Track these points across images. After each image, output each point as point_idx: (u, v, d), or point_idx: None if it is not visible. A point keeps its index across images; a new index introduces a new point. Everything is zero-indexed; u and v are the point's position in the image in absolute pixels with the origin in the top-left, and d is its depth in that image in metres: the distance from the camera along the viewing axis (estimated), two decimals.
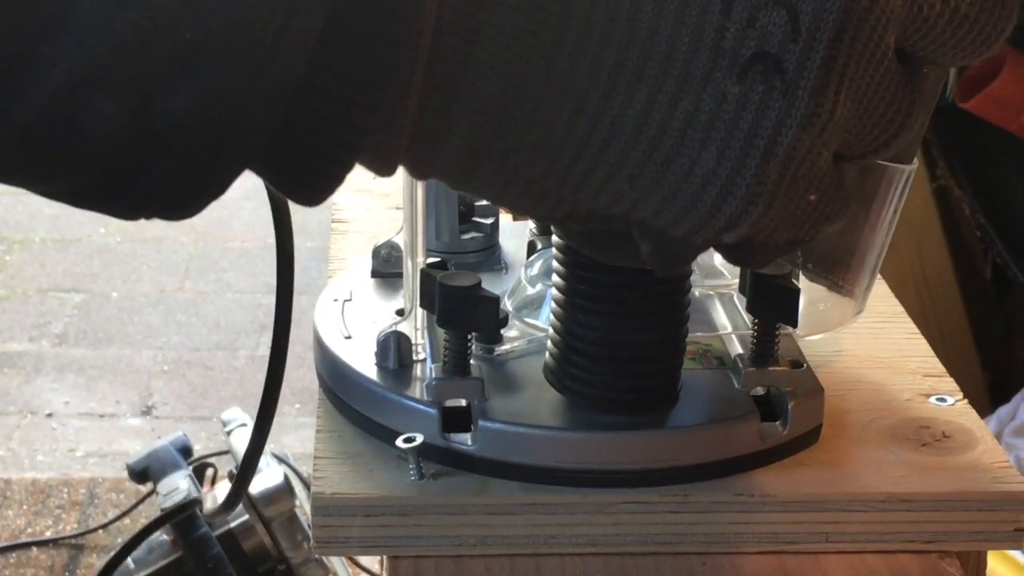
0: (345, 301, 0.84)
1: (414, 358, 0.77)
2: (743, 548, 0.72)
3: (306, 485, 2.12)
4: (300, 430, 2.62)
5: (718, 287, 0.84)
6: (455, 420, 0.73)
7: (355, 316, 0.82)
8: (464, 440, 0.73)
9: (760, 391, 0.75)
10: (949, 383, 0.81)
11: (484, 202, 0.88)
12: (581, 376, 0.73)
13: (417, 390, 0.74)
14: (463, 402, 0.73)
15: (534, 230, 0.88)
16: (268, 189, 0.67)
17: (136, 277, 3.26)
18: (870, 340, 0.86)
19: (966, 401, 0.80)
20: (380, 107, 0.53)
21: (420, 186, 0.79)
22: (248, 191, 3.59)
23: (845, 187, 0.59)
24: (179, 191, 0.52)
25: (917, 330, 0.87)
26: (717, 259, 0.84)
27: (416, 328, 0.78)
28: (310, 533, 1.93)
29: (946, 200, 2.21)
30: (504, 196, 0.59)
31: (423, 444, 0.71)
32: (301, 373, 2.64)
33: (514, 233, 0.90)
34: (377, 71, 0.52)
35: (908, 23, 0.56)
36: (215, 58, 0.48)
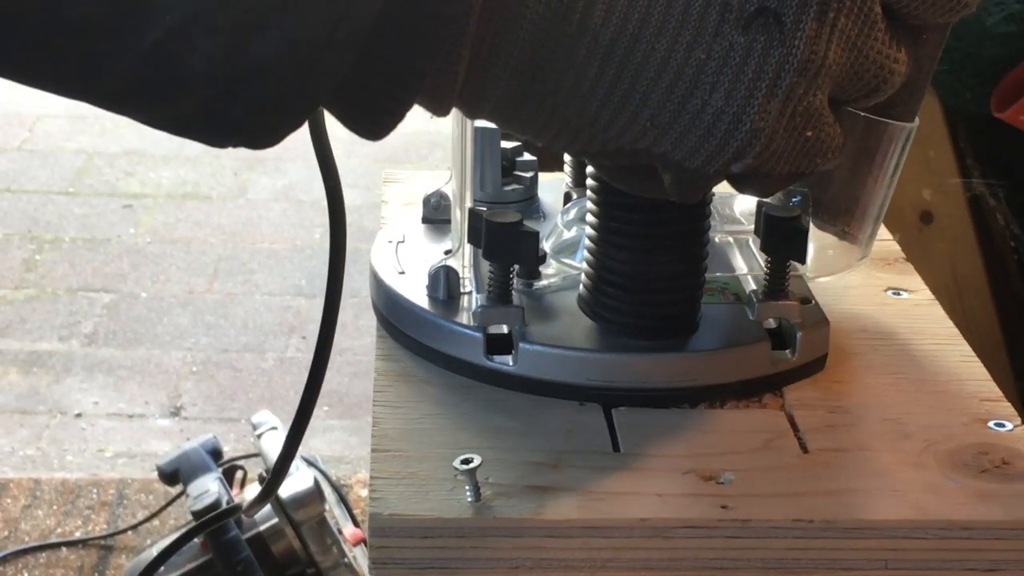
0: (399, 243, 0.93)
1: (461, 290, 0.86)
2: (800, 574, 0.71)
3: (335, 488, 2.12)
4: (329, 432, 2.62)
5: (737, 233, 0.91)
6: (498, 344, 0.82)
7: (408, 255, 0.91)
8: (506, 361, 0.81)
9: (772, 323, 0.83)
10: (1007, 408, 0.81)
11: (525, 157, 0.96)
12: (611, 304, 0.82)
13: (464, 317, 0.83)
14: (505, 328, 0.82)
15: (569, 183, 0.96)
16: (328, 195, 0.82)
17: (165, 278, 3.25)
18: (927, 363, 0.85)
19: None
20: (437, 55, 0.61)
21: (469, 141, 0.88)
22: (277, 193, 3.61)
23: (840, 128, 0.68)
24: (263, 123, 0.60)
25: (973, 353, 0.87)
26: (736, 208, 0.92)
27: (463, 264, 0.87)
28: (339, 537, 1.95)
29: (980, 210, 2.20)
30: (543, 134, 0.68)
31: (469, 366, 0.82)
32: (329, 375, 2.62)
33: (551, 186, 0.98)
34: (436, 23, 0.60)
35: None
36: (301, 9, 0.56)
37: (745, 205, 0.92)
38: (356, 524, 2.03)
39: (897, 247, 0.99)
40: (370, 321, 0.90)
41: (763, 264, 0.84)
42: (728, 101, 0.64)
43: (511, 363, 0.81)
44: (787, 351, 0.82)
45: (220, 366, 2.93)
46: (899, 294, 0.93)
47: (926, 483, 0.74)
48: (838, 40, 0.64)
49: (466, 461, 0.70)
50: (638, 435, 0.77)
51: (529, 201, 0.96)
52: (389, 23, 0.59)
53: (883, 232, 1.00)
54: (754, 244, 0.90)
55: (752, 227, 0.88)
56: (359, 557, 1.97)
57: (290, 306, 3.10)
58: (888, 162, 0.83)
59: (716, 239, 0.90)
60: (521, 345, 0.81)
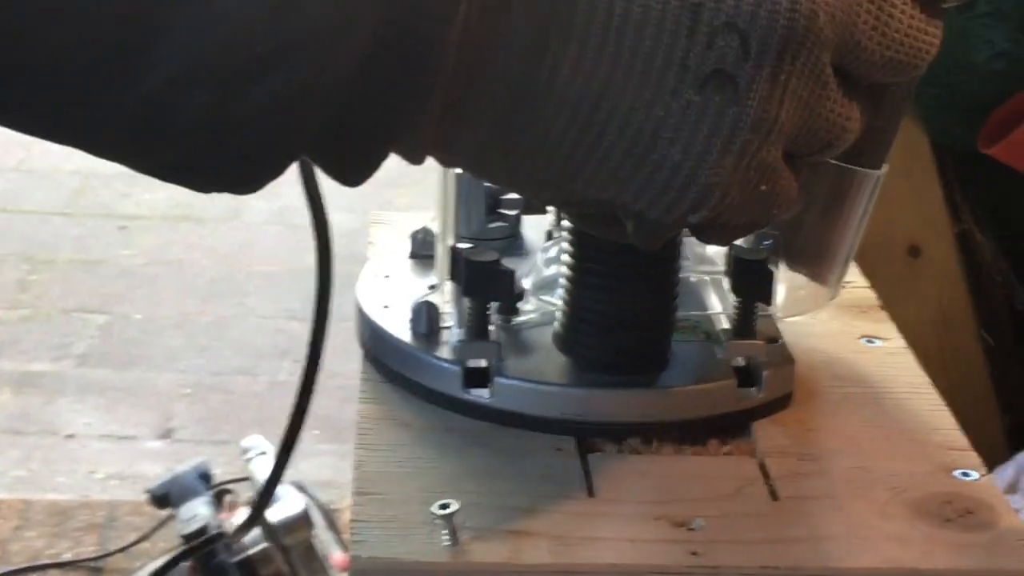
0: (385, 276, 0.96)
1: (442, 325, 0.88)
2: None
3: (324, 513, 2.13)
4: (319, 456, 2.63)
5: (712, 272, 0.94)
6: (475, 377, 0.85)
7: (393, 289, 0.94)
8: (483, 394, 0.84)
9: (740, 361, 0.86)
10: (973, 457, 0.83)
11: (510, 195, 0.99)
12: (584, 340, 0.85)
13: (444, 351, 0.86)
14: (483, 362, 0.85)
15: (552, 222, 0.99)
16: (313, 218, 0.87)
17: (159, 299, 3.27)
18: (897, 411, 0.87)
19: (989, 476, 0.81)
20: (410, 110, 0.65)
21: (452, 180, 0.91)
22: (271, 216, 3.63)
23: (797, 181, 0.72)
24: (244, 173, 0.64)
25: (942, 402, 0.88)
26: (709, 249, 0.94)
27: (445, 300, 0.90)
28: (327, 563, 1.96)
29: (968, 245, 2.22)
30: (512, 184, 0.73)
31: (447, 399, 0.85)
32: (320, 400, 2.63)
33: (535, 224, 1.00)
34: (410, 80, 0.64)
35: (842, 46, 0.68)
36: (288, 62, 0.59)
37: (718, 247, 0.94)
38: (345, 549, 2.04)
39: (873, 294, 1.01)
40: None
41: (732, 304, 0.87)
42: (685, 156, 0.67)
43: (487, 396, 0.84)
44: (753, 388, 0.86)
45: (212, 389, 2.95)
46: (873, 342, 0.95)
47: (892, 532, 0.76)
48: (790, 100, 0.67)
49: (444, 506, 0.73)
50: (613, 480, 0.79)
51: (513, 238, 0.99)
52: (366, 78, 0.62)
53: (860, 279, 1.03)
54: (728, 284, 0.92)
55: (724, 268, 0.91)
56: None
57: (283, 329, 3.12)
58: (856, 208, 0.86)
59: (692, 279, 0.93)
60: (497, 379, 0.84)
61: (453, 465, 0.80)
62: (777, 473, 0.80)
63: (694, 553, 0.73)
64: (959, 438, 0.85)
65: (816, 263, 0.88)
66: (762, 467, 0.81)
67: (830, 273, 0.89)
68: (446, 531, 0.73)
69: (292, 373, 2.89)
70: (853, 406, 0.88)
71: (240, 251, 3.51)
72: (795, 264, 0.88)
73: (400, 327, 0.89)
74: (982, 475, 0.81)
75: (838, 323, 0.97)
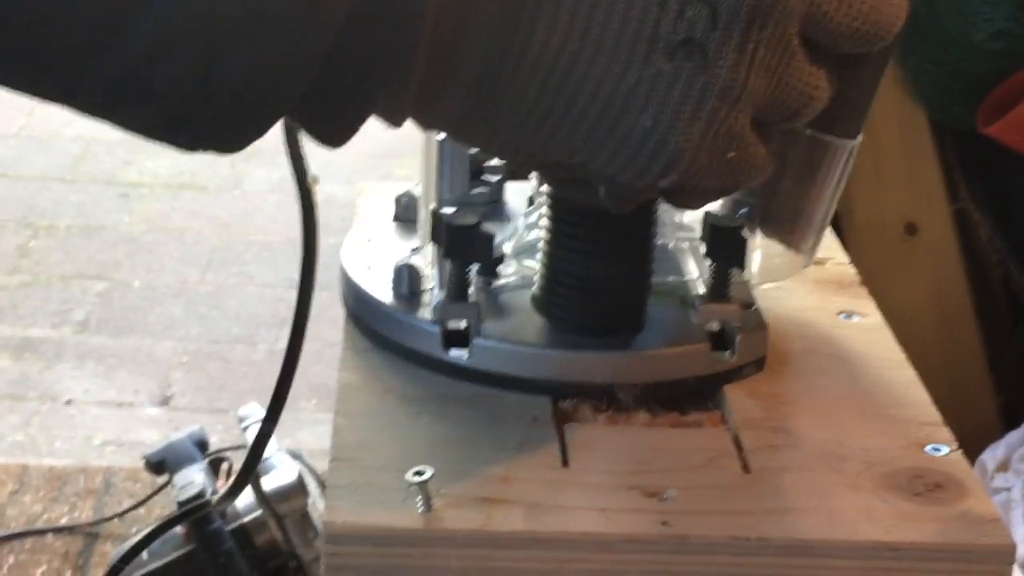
0: (368, 240, 0.98)
1: (423, 287, 0.90)
2: None
3: (320, 482, 2.14)
4: (316, 426, 2.64)
5: (688, 239, 0.95)
6: (455, 338, 0.86)
7: (376, 252, 0.95)
8: (462, 355, 0.86)
9: (715, 326, 0.87)
10: (944, 432, 0.84)
11: (493, 162, 1.00)
12: (562, 303, 0.87)
13: (425, 312, 0.88)
14: (463, 323, 0.86)
15: (535, 187, 0.99)
16: (297, 184, 0.89)
17: (159, 267, 3.28)
18: (871, 386, 0.88)
19: (960, 451, 0.82)
20: (391, 73, 0.67)
21: (434, 146, 0.92)
22: (273, 185, 3.63)
23: (766, 148, 0.74)
24: (229, 132, 0.66)
25: (917, 378, 0.89)
26: (686, 216, 0.96)
27: (427, 262, 0.91)
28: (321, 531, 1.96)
29: (965, 223, 2.23)
30: (489, 147, 0.75)
31: (427, 359, 0.86)
32: (319, 369, 2.66)
33: (517, 189, 1.01)
34: (391, 43, 0.65)
35: (808, 17, 0.70)
36: (264, 31, 0.61)
37: (695, 213, 0.95)
38: None
39: (853, 271, 1.02)
40: None
41: (708, 270, 0.89)
42: (655, 123, 0.69)
43: (466, 356, 0.86)
44: (727, 352, 0.87)
45: (211, 357, 2.95)
46: (850, 317, 0.96)
47: (861, 505, 0.77)
48: (758, 68, 0.70)
49: (418, 473, 0.74)
50: (588, 451, 0.80)
51: (495, 204, 1.00)
52: (346, 43, 0.64)
53: (841, 255, 1.03)
54: (704, 250, 0.93)
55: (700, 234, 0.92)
56: None
57: (282, 298, 3.13)
58: (830, 177, 0.87)
59: (669, 245, 0.95)
60: (476, 340, 0.85)
61: (430, 433, 0.81)
62: (750, 445, 0.81)
63: (664, 523, 0.74)
64: (932, 413, 0.86)
65: (791, 231, 0.90)
66: (735, 439, 0.82)
67: (804, 241, 0.90)
68: (420, 498, 0.74)
69: None
70: (828, 380, 0.88)
71: (241, 220, 3.51)
72: (770, 232, 0.90)
73: (382, 289, 0.91)
74: (952, 450, 0.82)
75: (816, 298, 0.98)
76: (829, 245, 1.03)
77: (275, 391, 0.93)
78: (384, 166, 3.56)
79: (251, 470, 0.98)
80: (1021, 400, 2.24)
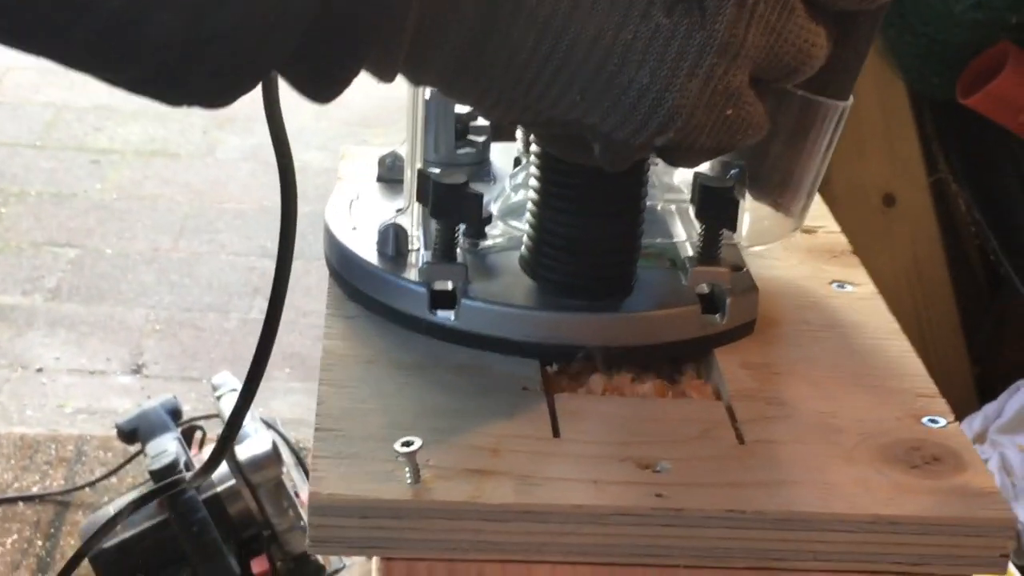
0: (353, 200, 0.96)
1: (410, 247, 0.88)
2: (732, 563, 0.73)
3: (294, 451, 2.12)
4: (289, 395, 2.62)
5: (678, 201, 0.94)
6: (441, 299, 0.85)
7: (361, 212, 0.94)
8: (448, 316, 0.84)
9: (704, 289, 0.86)
10: (941, 404, 0.82)
11: (478, 122, 0.99)
12: (550, 264, 0.85)
13: (411, 273, 0.86)
14: (449, 285, 0.85)
15: (520, 148, 0.99)
16: (276, 147, 0.85)
17: (131, 234, 3.25)
18: (866, 357, 0.86)
19: (957, 423, 0.81)
20: (383, 27, 0.65)
21: (422, 104, 0.90)
22: (246, 153, 3.60)
23: (763, 107, 0.73)
24: (217, 87, 0.65)
25: (911, 348, 0.88)
26: (675, 177, 0.95)
27: (413, 222, 0.89)
28: (296, 500, 1.95)
29: (943, 194, 2.22)
30: (481, 103, 0.73)
31: (413, 320, 0.85)
32: (292, 338, 2.64)
33: (503, 150, 1.00)
34: (382, 3, 0.64)
35: None
36: None
37: (684, 175, 0.94)
38: None
39: (844, 239, 1.00)
40: None
41: (697, 232, 0.87)
42: (652, 79, 0.68)
43: (453, 318, 0.84)
44: (717, 315, 0.86)
45: (183, 325, 2.93)
46: (843, 287, 0.94)
47: (857, 477, 0.75)
48: (757, 24, 0.69)
49: (406, 444, 0.72)
50: (579, 421, 0.79)
51: (481, 164, 0.99)
52: None
53: (832, 224, 1.02)
54: (694, 214, 0.91)
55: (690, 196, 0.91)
56: None
57: (255, 267, 3.10)
58: (821, 139, 0.86)
59: (659, 207, 0.94)
60: (463, 301, 0.84)
61: (417, 403, 0.79)
62: (744, 416, 0.80)
63: (659, 495, 0.73)
64: (928, 384, 0.84)
65: (781, 193, 0.89)
66: (729, 410, 0.81)
67: (794, 203, 0.89)
68: (408, 469, 0.72)
69: (263, 311, 2.86)
70: (821, 350, 0.87)
71: (213, 188, 3.48)
72: (760, 194, 0.89)
73: (367, 249, 0.89)
74: (950, 422, 0.80)
75: (808, 267, 0.96)
76: (819, 212, 1.02)
77: (253, 361, 0.91)
78: (359, 134, 3.53)
79: (228, 443, 0.96)
80: (997, 371, 2.24)
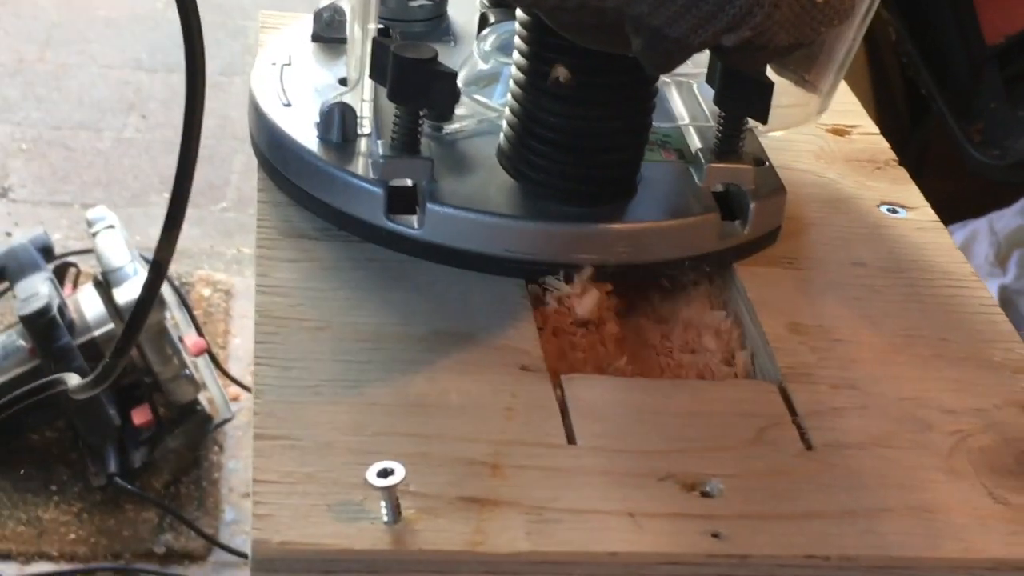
0: (284, 66, 0.79)
1: (359, 132, 0.72)
2: None
3: (175, 290, 2.00)
4: None
5: (676, 75, 0.78)
6: (400, 201, 0.69)
7: (295, 82, 0.77)
8: (410, 223, 0.69)
9: (720, 188, 0.72)
10: None
11: None
12: (538, 162, 0.70)
13: (361, 166, 0.70)
14: (409, 182, 0.69)
15: (485, 2, 0.81)
16: None
17: None
18: (941, 314, 0.69)
19: None
20: None
21: None
22: None
23: None
24: None
25: (992, 298, 0.70)
26: None
27: (363, 100, 0.73)
28: (180, 346, 1.79)
29: (872, 22, 2.08)
30: None
31: (365, 226, 0.69)
32: (172, 159, 2.44)
33: (463, 4, 0.83)
34: None
35: None
36: None
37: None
38: (199, 331, 1.90)
39: (885, 144, 0.82)
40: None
41: (712, 118, 0.73)
42: None
43: (416, 225, 0.69)
44: (737, 222, 0.71)
45: (52, 144, 2.75)
46: (896, 211, 0.77)
47: (963, 500, 0.58)
48: None
49: (384, 474, 0.53)
50: (597, 416, 0.60)
51: (438, 20, 0.83)
52: None
53: (867, 123, 0.84)
54: (699, 90, 0.78)
55: (697, 71, 0.75)
56: (201, 367, 1.85)
57: (129, 81, 2.90)
58: (859, 6, 0.73)
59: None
60: (429, 206, 0.68)
61: (388, 387, 0.60)
62: (805, 407, 0.62)
63: (715, 535, 0.55)
64: (1023, 352, 0.67)
65: (808, 68, 0.76)
66: (783, 393, 0.63)
67: (823, 79, 0.77)
68: (385, 505, 0.53)
69: (139, 129, 2.69)
70: (886, 305, 0.69)
71: None
72: (782, 66, 0.76)
73: (306, 133, 0.72)
74: None
75: (851, 183, 0.78)
76: (849, 105, 0.84)
77: (166, 219, 0.71)
78: None
79: (131, 344, 0.75)
80: None
